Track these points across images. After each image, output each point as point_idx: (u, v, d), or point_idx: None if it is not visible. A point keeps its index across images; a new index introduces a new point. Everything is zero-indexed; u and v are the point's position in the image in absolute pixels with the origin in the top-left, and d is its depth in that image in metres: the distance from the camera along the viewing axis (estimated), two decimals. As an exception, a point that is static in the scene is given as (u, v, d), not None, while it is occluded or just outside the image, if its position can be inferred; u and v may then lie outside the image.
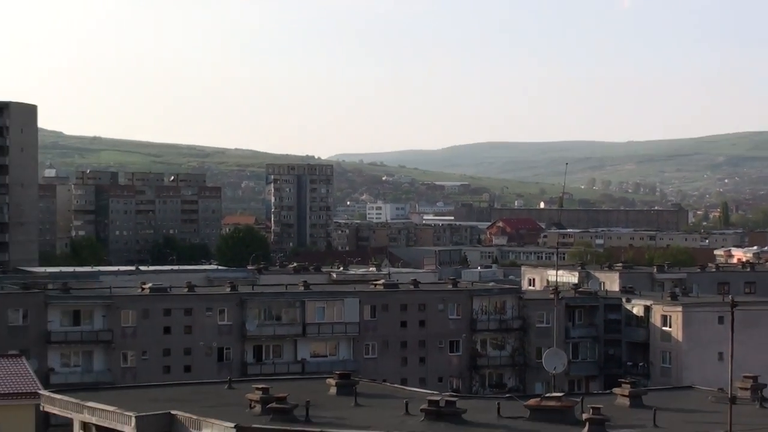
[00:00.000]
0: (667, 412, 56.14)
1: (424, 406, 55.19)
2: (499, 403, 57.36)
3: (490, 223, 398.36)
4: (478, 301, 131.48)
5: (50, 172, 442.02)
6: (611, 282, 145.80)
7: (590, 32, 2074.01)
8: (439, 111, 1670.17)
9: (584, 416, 52.30)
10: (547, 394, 61.10)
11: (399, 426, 53.29)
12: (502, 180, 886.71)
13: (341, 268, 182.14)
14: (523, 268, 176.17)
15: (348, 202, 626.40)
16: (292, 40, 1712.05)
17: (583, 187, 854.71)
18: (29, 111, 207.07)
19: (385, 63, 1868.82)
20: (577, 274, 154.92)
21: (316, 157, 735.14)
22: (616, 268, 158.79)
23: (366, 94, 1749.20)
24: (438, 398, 56.57)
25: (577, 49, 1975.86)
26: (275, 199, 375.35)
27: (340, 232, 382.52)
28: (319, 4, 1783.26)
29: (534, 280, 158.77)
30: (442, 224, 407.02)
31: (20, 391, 59.43)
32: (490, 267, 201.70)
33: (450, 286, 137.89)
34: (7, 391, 59.11)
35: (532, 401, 56.84)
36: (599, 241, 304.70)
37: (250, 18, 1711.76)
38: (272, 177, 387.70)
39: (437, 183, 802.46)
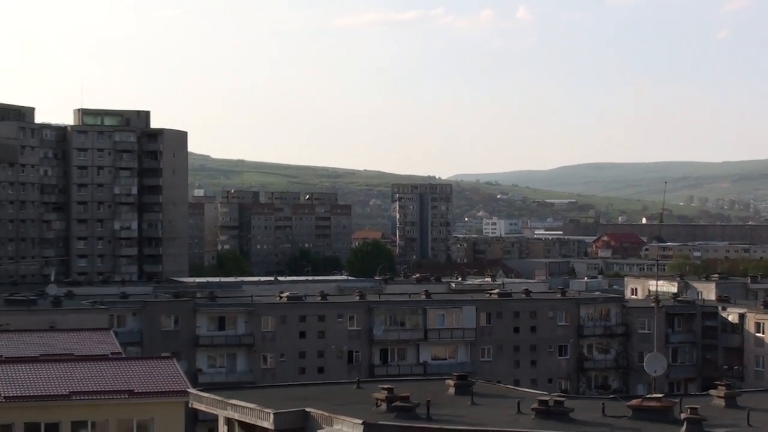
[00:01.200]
0: (760, 412, 55.27)
1: (535, 405, 55.04)
2: (603, 403, 56.95)
3: (595, 237, 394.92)
4: (585, 309, 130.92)
5: (199, 192, 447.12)
6: (708, 291, 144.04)
7: (688, 60, 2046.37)
8: (549, 134, 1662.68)
9: (682, 416, 51.77)
10: (648, 395, 60.48)
11: (511, 424, 53.21)
12: (606, 198, 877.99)
13: (459, 279, 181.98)
14: (626, 278, 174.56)
15: (466, 218, 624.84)
16: (415, 73, 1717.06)
17: (681, 204, 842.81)
18: (180, 137, 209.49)
19: (500, 91, 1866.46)
20: (676, 284, 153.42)
21: (437, 177, 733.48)
22: (713, 278, 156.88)
23: (482, 119, 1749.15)
24: (547, 398, 56.38)
25: (674, 75, 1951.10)
26: (400, 216, 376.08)
27: (458, 245, 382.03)
28: (442, 40, 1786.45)
29: (636, 289, 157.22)
30: (552, 238, 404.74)
31: (171, 390, 60.33)
32: (596, 278, 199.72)
33: (559, 295, 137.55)
34: (160, 390, 60.05)
35: (634, 401, 56.36)
36: (697, 254, 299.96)
37: (380, 52, 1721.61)
38: (397, 195, 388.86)
39: (547, 200, 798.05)
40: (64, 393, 58.23)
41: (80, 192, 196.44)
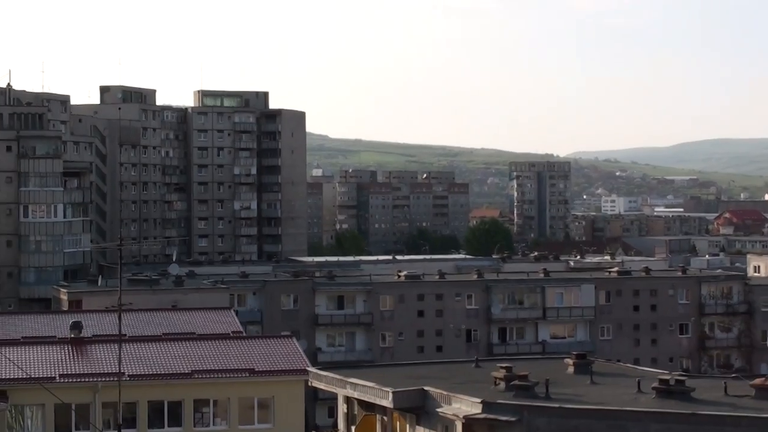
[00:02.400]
0: None
1: (655, 384, 54.49)
2: (725, 383, 56.16)
3: (717, 215, 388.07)
4: (706, 287, 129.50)
5: (317, 172, 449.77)
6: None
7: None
8: (668, 110, 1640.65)
9: (807, 396, 50.98)
10: (772, 375, 59.70)
11: (632, 403, 52.75)
12: (728, 174, 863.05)
13: (578, 257, 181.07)
14: (748, 256, 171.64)
15: (584, 196, 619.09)
16: (533, 50, 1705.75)
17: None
18: (298, 117, 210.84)
19: (618, 67, 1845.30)
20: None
21: (554, 155, 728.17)
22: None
23: (600, 95, 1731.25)
24: (668, 377, 55.77)
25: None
26: (518, 194, 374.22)
27: (577, 223, 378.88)
28: (561, 16, 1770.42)
29: (759, 267, 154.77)
30: (672, 216, 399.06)
31: (291, 369, 60.87)
32: (718, 255, 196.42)
33: (679, 273, 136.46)
34: (280, 368, 60.61)
35: (757, 381, 55.47)
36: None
37: (498, 29, 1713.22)
38: (515, 174, 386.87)
39: (667, 177, 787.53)
40: (187, 372, 59.06)
41: (201, 173, 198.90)
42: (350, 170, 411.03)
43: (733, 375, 71.93)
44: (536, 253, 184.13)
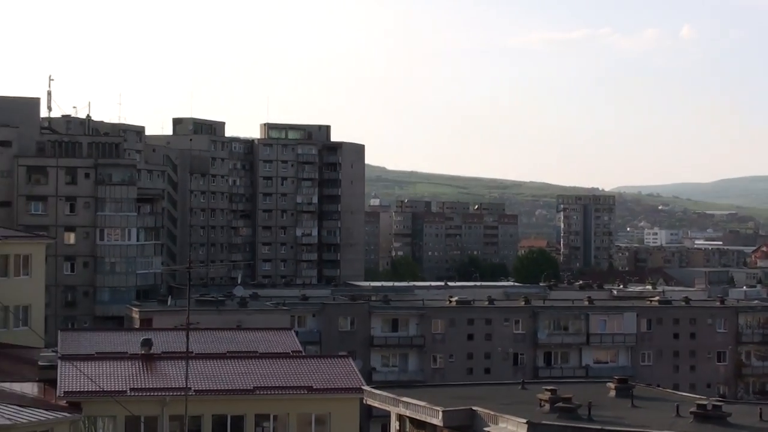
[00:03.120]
0: None
1: (693, 409, 54.17)
2: (761, 408, 55.73)
3: (755, 248, 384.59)
4: (743, 317, 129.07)
5: (375, 202, 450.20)
6: None
7: None
8: (709, 147, 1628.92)
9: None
10: (806, 402, 59.07)
11: (671, 426, 52.41)
12: (766, 209, 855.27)
13: (621, 286, 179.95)
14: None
15: (628, 228, 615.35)
16: (580, 89, 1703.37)
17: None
18: (358, 150, 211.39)
19: (661, 107, 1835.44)
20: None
21: (600, 188, 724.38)
22: None
23: (644, 133, 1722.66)
24: (706, 402, 55.48)
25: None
26: (564, 225, 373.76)
27: (620, 254, 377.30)
28: (607, 57, 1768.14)
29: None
30: (712, 248, 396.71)
31: (347, 387, 60.87)
32: (755, 287, 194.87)
33: (718, 303, 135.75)
34: (337, 386, 60.64)
35: (792, 408, 55.08)
36: None
37: (547, 69, 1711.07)
38: (562, 206, 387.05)
39: (707, 212, 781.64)
40: (249, 388, 59.24)
41: (265, 201, 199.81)
42: (406, 200, 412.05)
43: (769, 401, 71.23)
44: (581, 282, 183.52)
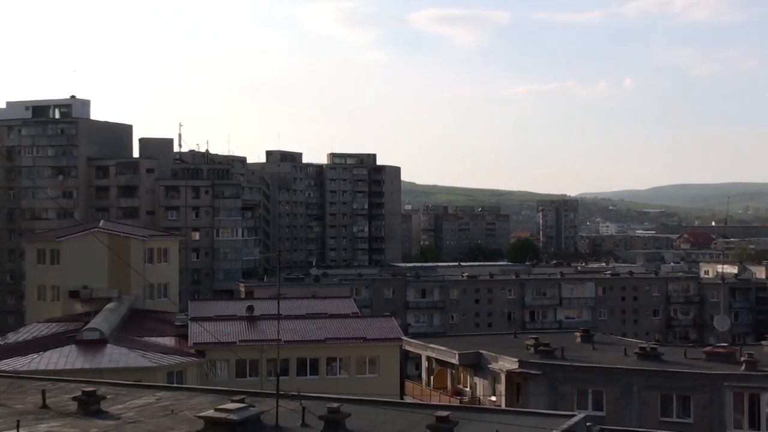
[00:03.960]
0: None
1: (636, 350, 53.84)
2: (685, 350, 55.34)
3: (679, 235, 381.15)
4: (671, 285, 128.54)
5: (408, 207, 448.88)
6: (760, 272, 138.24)
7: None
8: (644, 163, 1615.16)
9: (742, 359, 49.86)
10: (717, 344, 58.44)
11: (620, 362, 52.12)
12: (686, 208, 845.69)
13: (584, 264, 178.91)
14: (700, 264, 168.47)
15: (588, 223, 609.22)
16: (553, 127, 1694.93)
17: (740, 212, 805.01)
18: (396, 170, 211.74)
19: (610, 136, 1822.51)
20: (736, 267, 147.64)
21: (567, 195, 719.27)
22: (763, 263, 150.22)
23: (599, 154, 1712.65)
24: (645, 345, 55.13)
25: (724, 119, 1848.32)
26: (542, 222, 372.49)
27: (582, 241, 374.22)
28: (571, 103, 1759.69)
29: (708, 271, 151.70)
30: (648, 236, 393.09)
31: (391, 337, 60.98)
32: (679, 263, 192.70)
33: (653, 275, 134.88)
34: (383, 337, 60.72)
35: (707, 348, 54.53)
36: (752, 246, 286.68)
37: (528, 112, 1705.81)
38: (541, 208, 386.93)
39: (644, 210, 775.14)
40: (322, 338, 59.39)
41: (331, 208, 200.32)
42: (430, 206, 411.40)
43: (690, 345, 70.64)
44: (555, 261, 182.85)
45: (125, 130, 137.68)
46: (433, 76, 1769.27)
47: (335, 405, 28.03)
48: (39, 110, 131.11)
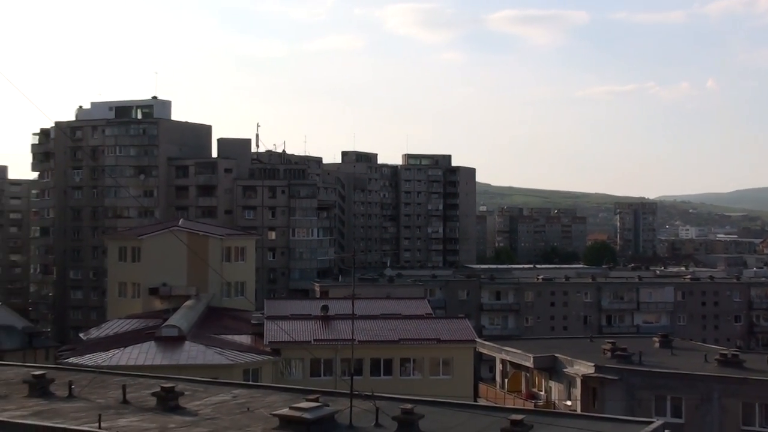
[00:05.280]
0: None
1: (717, 356, 52.59)
2: (767, 357, 53.90)
3: (762, 239, 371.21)
4: (754, 290, 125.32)
5: (483, 209, 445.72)
6: None
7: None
8: (727, 165, 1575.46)
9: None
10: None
11: (700, 368, 50.95)
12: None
13: (662, 268, 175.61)
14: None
15: (667, 226, 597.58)
16: (634, 127, 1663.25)
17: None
18: (470, 171, 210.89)
19: (691, 139, 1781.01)
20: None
21: (646, 197, 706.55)
22: None
23: (680, 156, 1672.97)
24: (726, 352, 53.82)
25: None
26: (620, 224, 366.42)
27: (661, 245, 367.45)
28: (652, 104, 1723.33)
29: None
30: (729, 240, 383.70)
31: (465, 339, 60.76)
32: (762, 268, 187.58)
33: (735, 280, 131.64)
34: (457, 339, 60.54)
35: (790, 356, 53.04)
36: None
37: (610, 113, 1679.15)
38: (618, 211, 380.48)
39: (726, 214, 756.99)
40: (395, 339, 59.47)
41: (406, 208, 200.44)
42: (505, 207, 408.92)
43: (773, 352, 68.69)
44: (633, 265, 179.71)
45: (204, 131, 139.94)
46: (509, 76, 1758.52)
47: (409, 406, 28.01)
48: (122, 111, 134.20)
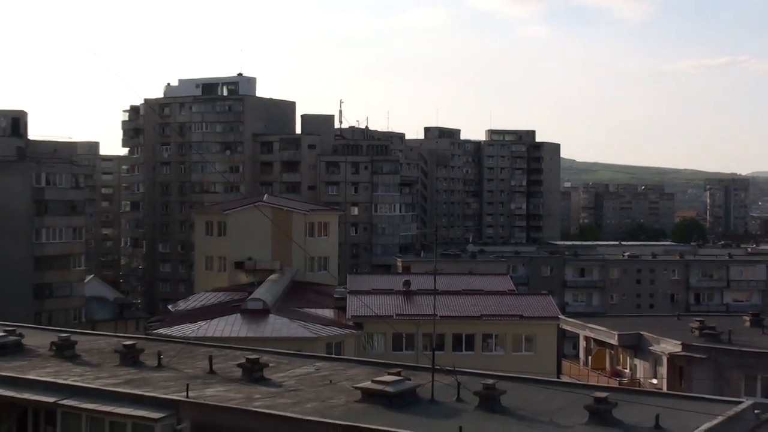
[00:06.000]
0: None
1: (810, 336, 51.12)
2: None
3: None
4: None
5: (567, 185, 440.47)
6: None
7: None
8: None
9: None
10: None
11: (792, 349, 49.58)
12: None
13: (754, 245, 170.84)
14: None
15: (759, 203, 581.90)
16: (720, 102, 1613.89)
17: None
18: (555, 147, 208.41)
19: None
20: None
21: (737, 173, 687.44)
22: None
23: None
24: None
25: None
26: (710, 201, 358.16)
27: (753, 222, 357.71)
28: (745, 79, 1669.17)
29: None
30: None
31: (548, 316, 60.30)
32: None
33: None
34: (540, 315, 60.14)
35: None
36: None
37: (699, 88, 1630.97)
38: (708, 187, 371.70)
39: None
40: (478, 315, 59.38)
41: (489, 184, 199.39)
42: (590, 183, 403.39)
43: None
44: (723, 242, 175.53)
45: (288, 107, 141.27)
46: (595, 50, 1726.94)
47: (491, 381, 27.95)
48: (208, 88, 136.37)
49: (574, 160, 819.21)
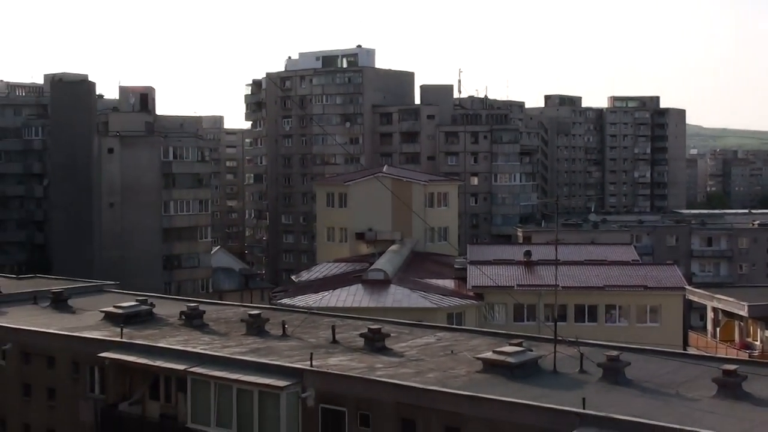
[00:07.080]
0: None
1: None
2: None
3: None
4: None
5: (693, 152, 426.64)
6: None
7: None
8: None
9: None
10: None
11: None
12: None
13: None
14: None
15: None
16: None
17: None
18: (680, 113, 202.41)
19: None
20: None
21: None
22: None
23: None
24: None
25: None
26: None
27: None
28: None
29: None
30: None
31: (674, 286, 58.79)
32: None
33: None
34: (665, 286, 58.71)
35: None
36: None
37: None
38: None
39: None
40: (601, 285, 58.45)
41: (611, 153, 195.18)
42: (718, 150, 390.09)
43: None
44: None
45: (407, 78, 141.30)
46: (722, 11, 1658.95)
47: (614, 353, 27.47)
48: (328, 60, 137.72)
49: (701, 126, 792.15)
